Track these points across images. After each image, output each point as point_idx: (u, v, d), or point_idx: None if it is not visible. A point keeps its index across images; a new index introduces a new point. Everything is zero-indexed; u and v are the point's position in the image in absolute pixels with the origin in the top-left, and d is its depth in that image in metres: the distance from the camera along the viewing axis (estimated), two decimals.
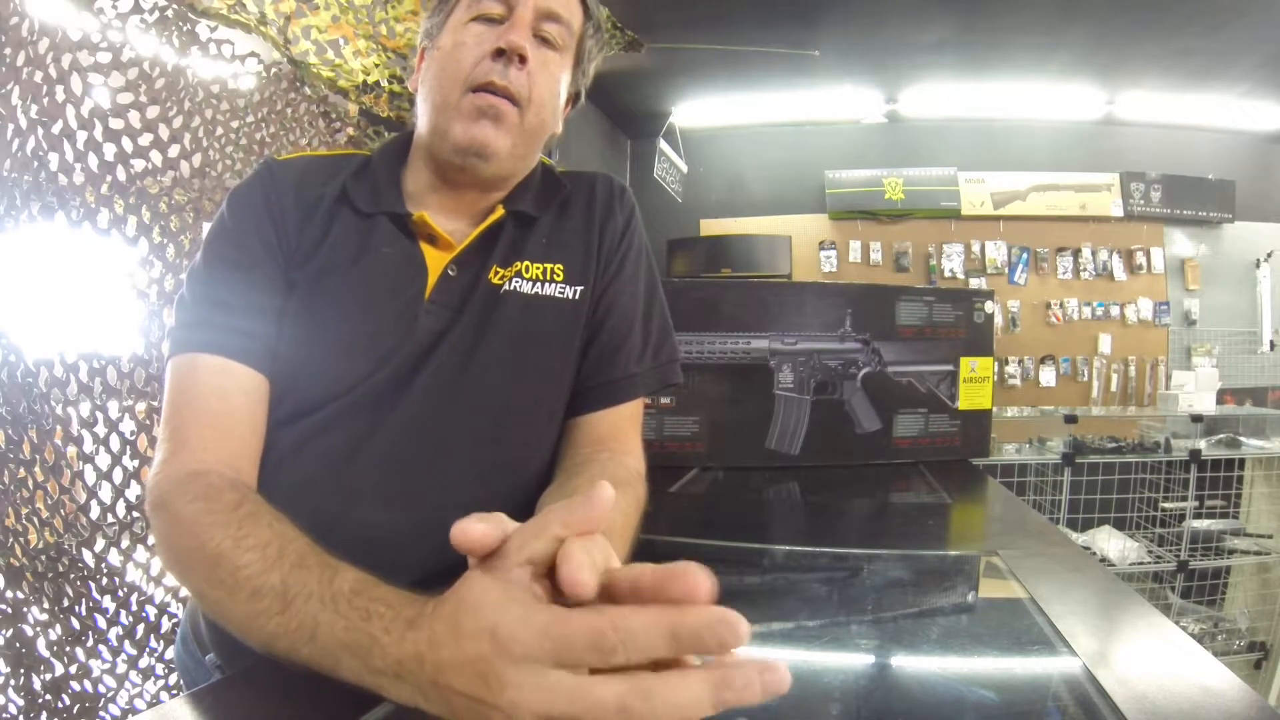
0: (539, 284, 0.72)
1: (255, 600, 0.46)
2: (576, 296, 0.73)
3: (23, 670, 1.09)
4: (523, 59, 0.66)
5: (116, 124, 1.32)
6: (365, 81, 1.93)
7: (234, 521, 0.51)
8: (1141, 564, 2.81)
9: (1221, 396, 3.25)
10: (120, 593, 1.28)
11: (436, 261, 0.70)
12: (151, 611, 1.34)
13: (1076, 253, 4.01)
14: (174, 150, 1.45)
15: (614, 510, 0.60)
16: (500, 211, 0.71)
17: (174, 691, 1.31)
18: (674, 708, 0.32)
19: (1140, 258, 3.98)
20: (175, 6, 1.44)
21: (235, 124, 1.61)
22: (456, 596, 0.38)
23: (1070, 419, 2.81)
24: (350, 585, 0.44)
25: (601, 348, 0.75)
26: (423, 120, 0.71)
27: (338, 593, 0.44)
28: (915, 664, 0.59)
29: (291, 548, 0.48)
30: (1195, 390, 3.01)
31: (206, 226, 1.04)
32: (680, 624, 0.32)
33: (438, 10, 0.72)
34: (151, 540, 1.32)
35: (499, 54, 0.66)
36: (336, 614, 0.43)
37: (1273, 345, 3.82)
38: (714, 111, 4.01)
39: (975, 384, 1.39)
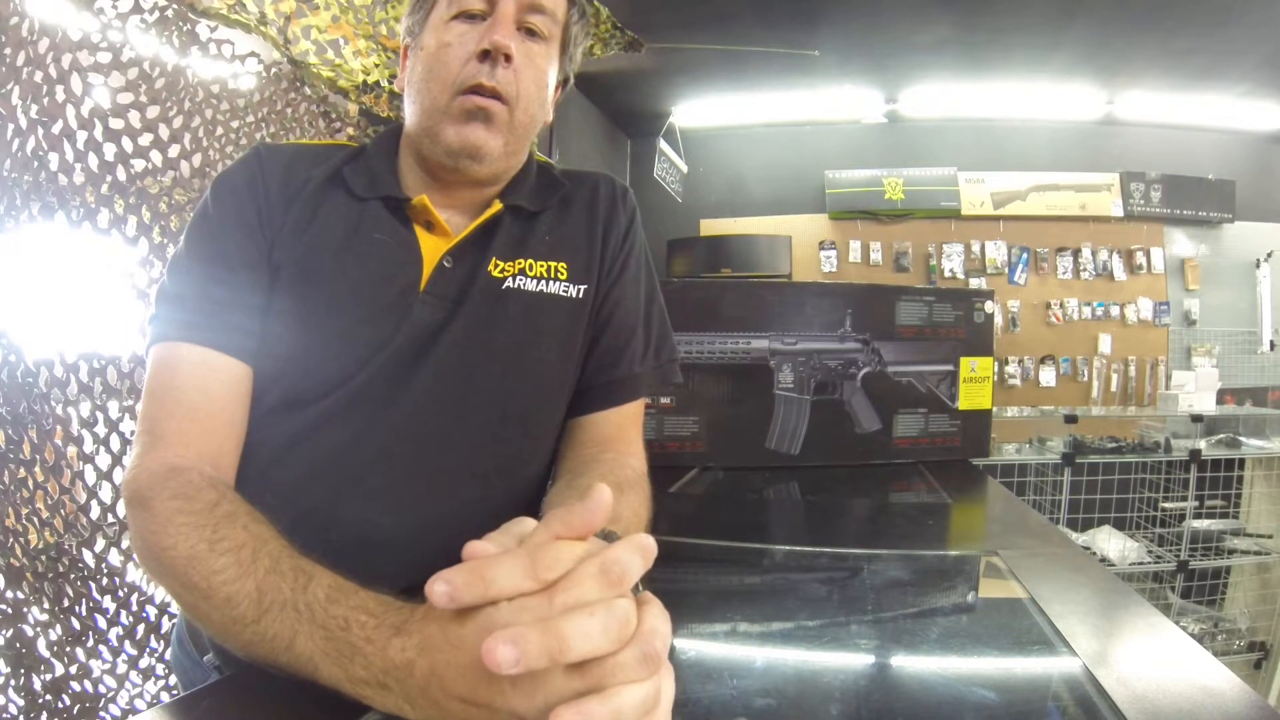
0: (543, 281, 0.71)
1: (230, 607, 0.46)
2: (580, 295, 0.73)
3: (23, 670, 1.09)
4: (508, 57, 0.65)
5: (116, 124, 1.32)
6: (365, 81, 1.93)
7: (210, 523, 0.50)
8: (1141, 564, 2.80)
9: (1221, 396, 3.24)
10: (120, 593, 1.28)
11: (432, 251, 0.69)
12: (151, 611, 1.34)
13: (1076, 253, 4.01)
14: (174, 150, 1.45)
15: (626, 509, 0.60)
16: (498, 206, 0.71)
17: (174, 692, 1.31)
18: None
19: (1140, 258, 3.98)
20: (175, 6, 1.44)
21: (235, 124, 1.61)
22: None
23: (1070, 419, 2.81)
24: (325, 592, 0.43)
25: (605, 348, 0.75)
26: (411, 121, 0.70)
27: (312, 600, 0.43)
28: (915, 664, 0.59)
29: (265, 551, 0.47)
30: (1195, 390, 3.01)
31: None
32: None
33: (418, 7, 0.71)
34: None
35: (484, 55, 0.65)
36: (313, 623, 0.42)
37: (1273, 345, 3.82)
38: (714, 111, 4.01)
39: (975, 384, 1.39)
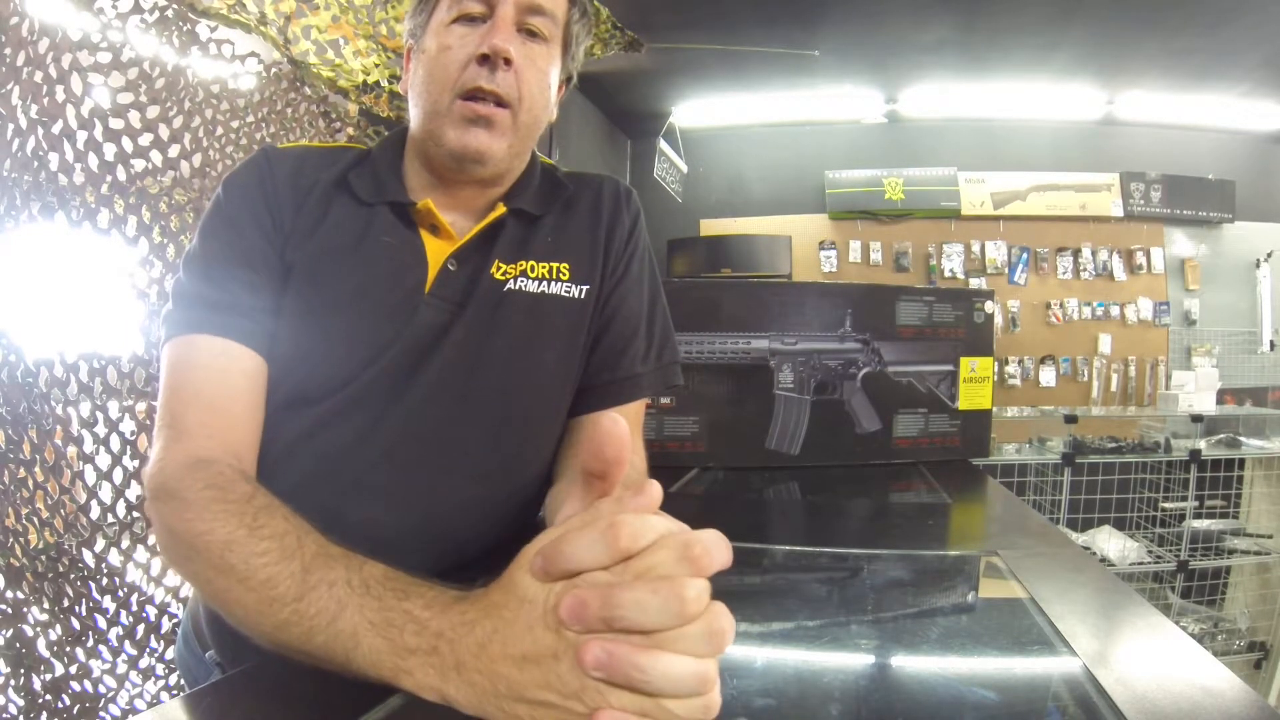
0: (545, 283, 0.71)
1: (269, 587, 0.46)
2: (582, 295, 0.73)
3: (23, 670, 1.09)
4: (508, 61, 0.65)
5: (116, 124, 1.32)
6: (365, 81, 1.93)
7: (249, 511, 0.51)
8: (1141, 564, 2.81)
9: (1221, 396, 3.24)
10: (120, 593, 1.28)
11: (437, 254, 0.69)
12: (151, 611, 1.34)
13: (1076, 253, 4.01)
14: (174, 150, 1.45)
15: None
16: (501, 209, 0.71)
17: (174, 691, 1.31)
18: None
19: (1140, 258, 3.98)
20: (175, 6, 1.44)
21: (235, 124, 1.61)
22: (511, 574, 0.39)
23: (1070, 419, 2.81)
24: (383, 571, 0.45)
25: (607, 348, 0.75)
26: (415, 123, 0.70)
27: (369, 577, 0.44)
28: (915, 664, 0.59)
29: (311, 538, 0.48)
30: (1195, 390, 3.01)
31: None
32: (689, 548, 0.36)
33: (419, 9, 0.71)
34: (152, 540, 1.32)
35: (484, 59, 0.65)
36: (367, 594, 0.43)
37: (1273, 345, 3.82)
38: (714, 111, 4.01)
39: (975, 384, 1.39)
